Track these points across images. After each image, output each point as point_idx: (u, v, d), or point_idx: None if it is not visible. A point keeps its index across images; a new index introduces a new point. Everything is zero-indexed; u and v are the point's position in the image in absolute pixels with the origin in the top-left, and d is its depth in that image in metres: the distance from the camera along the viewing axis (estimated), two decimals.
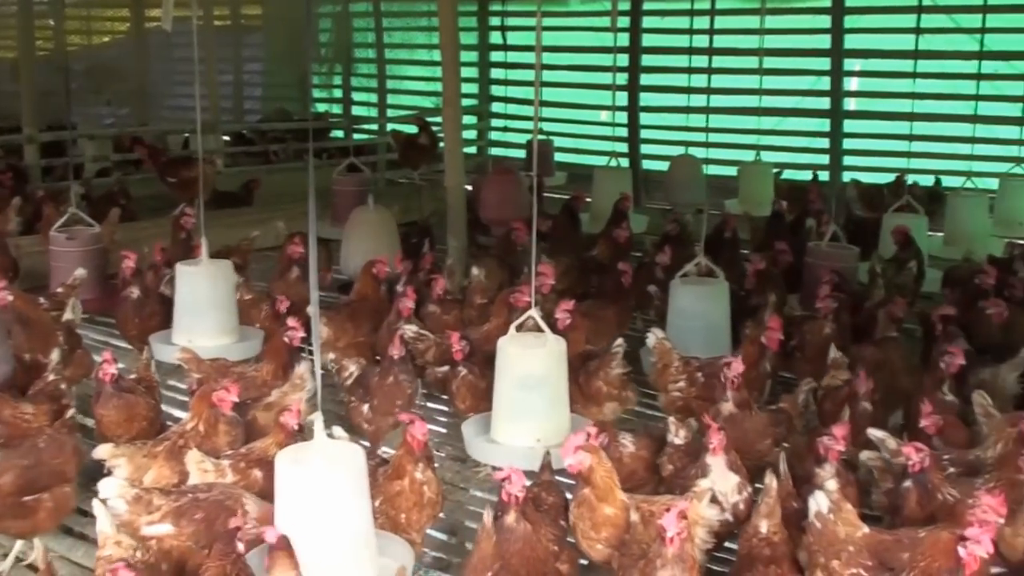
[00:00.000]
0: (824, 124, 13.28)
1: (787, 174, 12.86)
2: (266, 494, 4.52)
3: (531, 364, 5.82)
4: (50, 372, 5.61)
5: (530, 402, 5.78)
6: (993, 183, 11.72)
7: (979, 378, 5.91)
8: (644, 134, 14.70)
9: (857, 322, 7.11)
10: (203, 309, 7.29)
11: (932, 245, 10.10)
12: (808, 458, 4.71)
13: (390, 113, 15.90)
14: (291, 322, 6.18)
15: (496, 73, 16.89)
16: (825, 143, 13.27)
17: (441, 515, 4.97)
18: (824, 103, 13.19)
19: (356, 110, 18.07)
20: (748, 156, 13.26)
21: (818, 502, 4.02)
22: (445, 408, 6.71)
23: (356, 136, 16.21)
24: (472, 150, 16.18)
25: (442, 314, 7.37)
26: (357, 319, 7.22)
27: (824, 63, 13.04)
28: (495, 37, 16.71)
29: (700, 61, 14.14)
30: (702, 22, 13.98)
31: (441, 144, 10.64)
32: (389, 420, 5.77)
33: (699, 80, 14.09)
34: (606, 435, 4.88)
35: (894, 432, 5.15)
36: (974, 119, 12.25)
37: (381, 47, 16.62)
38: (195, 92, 8.48)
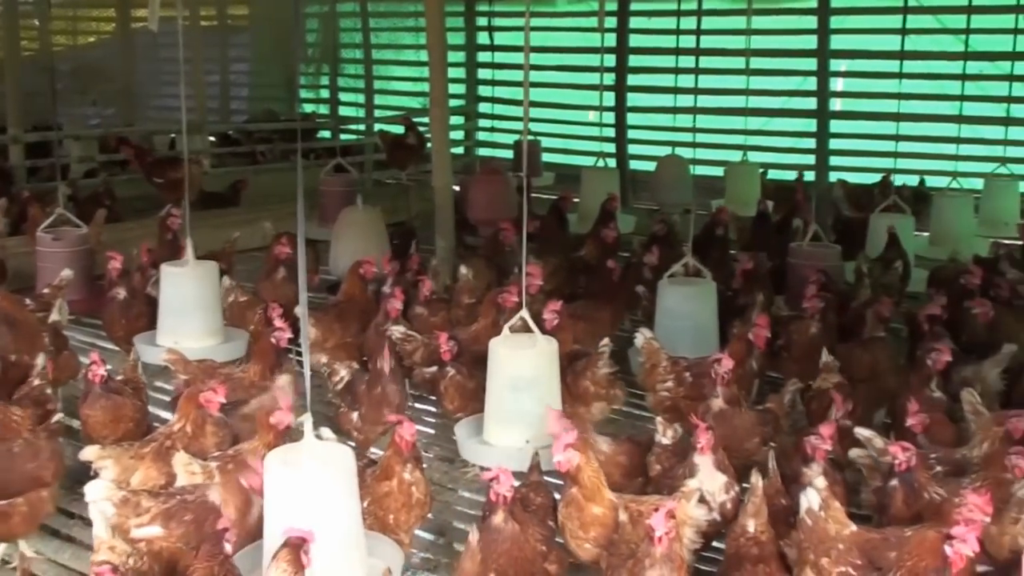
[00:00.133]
0: (810, 124, 13.33)
1: (774, 174, 12.90)
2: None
3: (521, 365, 5.82)
4: (35, 376, 5.59)
5: (520, 403, 5.78)
6: (978, 183, 11.78)
7: (962, 375, 5.95)
8: (631, 134, 14.72)
9: (843, 322, 7.14)
10: (188, 310, 7.26)
11: (918, 245, 10.15)
12: (795, 458, 4.72)
13: (377, 113, 15.88)
14: (278, 323, 6.17)
15: (483, 73, 16.90)
16: (811, 143, 13.32)
17: (429, 516, 4.97)
18: (810, 103, 13.24)
19: (343, 110, 18.05)
20: (735, 156, 13.30)
21: (809, 499, 4.03)
22: (433, 409, 6.71)
23: (343, 136, 16.19)
24: (460, 150, 16.18)
25: (429, 315, 7.36)
26: (345, 320, 7.21)
27: (810, 63, 13.09)
28: (482, 37, 16.72)
29: (687, 61, 14.19)
30: (689, 22, 14.04)
31: (428, 144, 10.63)
32: (378, 429, 5.76)
33: (686, 80, 14.12)
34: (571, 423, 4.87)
35: (879, 430, 5.17)
36: (959, 119, 12.31)
37: (368, 47, 16.60)
38: (182, 92, 8.45)
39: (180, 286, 7.30)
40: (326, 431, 4.73)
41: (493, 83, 16.83)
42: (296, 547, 3.74)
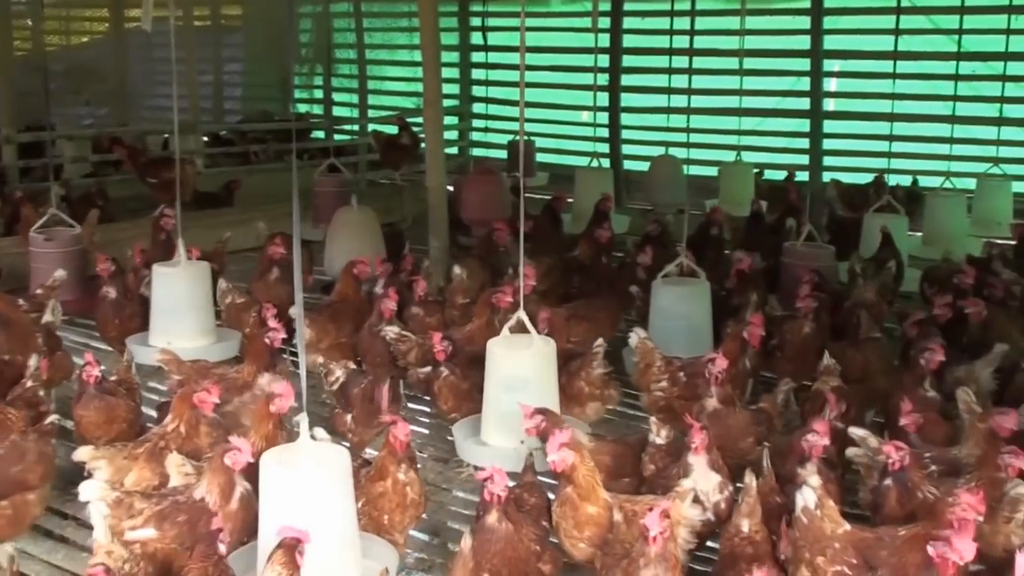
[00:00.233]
0: (804, 124, 13.37)
1: (770, 174, 12.91)
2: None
3: (517, 366, 5.80)
4: (28, 377, 5.58)
5: (516, 403, 5.77)
6: (971, 183, 11.81)
7: (955, 375, 5.96)
8: (625, 134, 14.75)
9: (836, 322, 7.15)
10: (180, 311, 7.24)
11: (911, 245, 10.17)
12: (790, 458, 4.73)
13: (371, 114, 15.91)
14: (272, 323, 6.16)
15: (477, 74, 16.89)
16: (805, 143, 13.35)
17: (424, 516, 4.97)
18: (804, 104, 13.28)
19: (337, 111, 18.05)
20: (729, 156, 13.30)
21: (805, 497, 4.04)
22: (427, 409, 6.71)
23: (337, 137, 16.18)
24: (453, 150, 16.18)
25: (425, 316, 7.36)
26: (339, 320, 7.21)
27: (804, 64, 13.13)
28: (476, 37, 16.71)
29: (681, 62, 14.19)
30: (683, 23, 14.04)
31: (422, 144, 10.63)
32: (371, 432, 5.75)
33: (680, 81, 14.12)
34: (544, 420, 4.88)
35: (872, 429, 5.18)
36: (952, 120, 12.33)
37: (362, 47, 16.61)
38: (175, 92, 8.43)
39: (172, 286, 7.29)
40: (321, 431, 4.73)
41: (487, 83, 16.83)
42: (291, 548, 3.74)
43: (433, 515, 5.36)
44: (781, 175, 12.48)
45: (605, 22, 14.10)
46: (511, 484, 4.23)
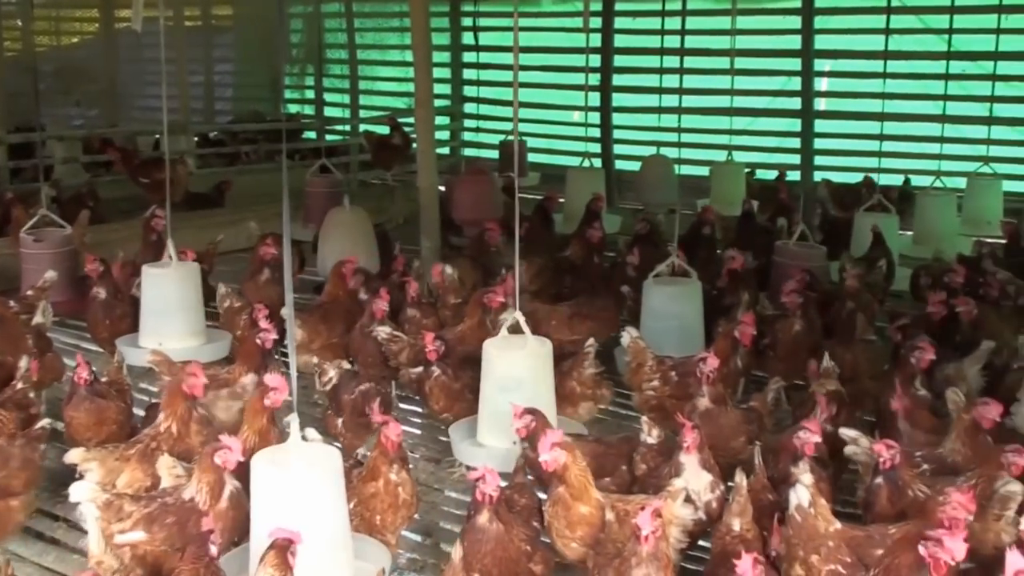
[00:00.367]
0: (795, 124, 13.37)
1: (761, 174, 12.93)
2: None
3: (510, 366, 5.80)
4: (18, 380, 5.56)
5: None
6: (961, 182, 11.84)
7: (944, 373, 5.99)
8: (616, 134, 14.75)
9: (827, 321, 7.16)
10: (171, 311, 7.22)
11: (902, 244, 10.19)
12: (781, 456, 4.73)
13: (362, 114, 15.86)
14: (264, 323, 6.15)
15: (468, 74, 16.88)
16: (796, 143, 13.36)
17: (416, 516, 4.97)
18: (795, 103, 13.29)
19: (328, 111, 18.01)
20: (720, 156, 13.32)
21: (799, 495, 4.05)
22: (419, 409, 6.70)
23: (328, 137, 16.15)
24: (445, 151, 16.16)
25: (422, 317, 7.33)
26: (330, 320, 7.20)
27: (795, 63, 13.14)
28: (467, 38, 16.70)
29: (672, 62, 14.21)
30: (674, 23, 14.06)
31: (414, 145, 10.62)
32: (362, 435, 5.74)
33: (671, 80, 14.14)
34: (533, 420, 4.88)
35: (864, 428, 5.20)
36: (942, 119, 12.37)
37: (353, 47, 16.58)
38: (164, 93, 8.41)
39: (162, 287, 7.27)
40: (312, 432, 4.73)
41: (478, 83, 16.82)
42: (283, 549, 3.74)
43: (425, 515, 5.35)
44: (772, 175, 12.51)
45: (596, 22, 14.12)
46: (503, 484, 4.23)
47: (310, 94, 18.81)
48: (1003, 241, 9.68)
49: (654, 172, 13.03)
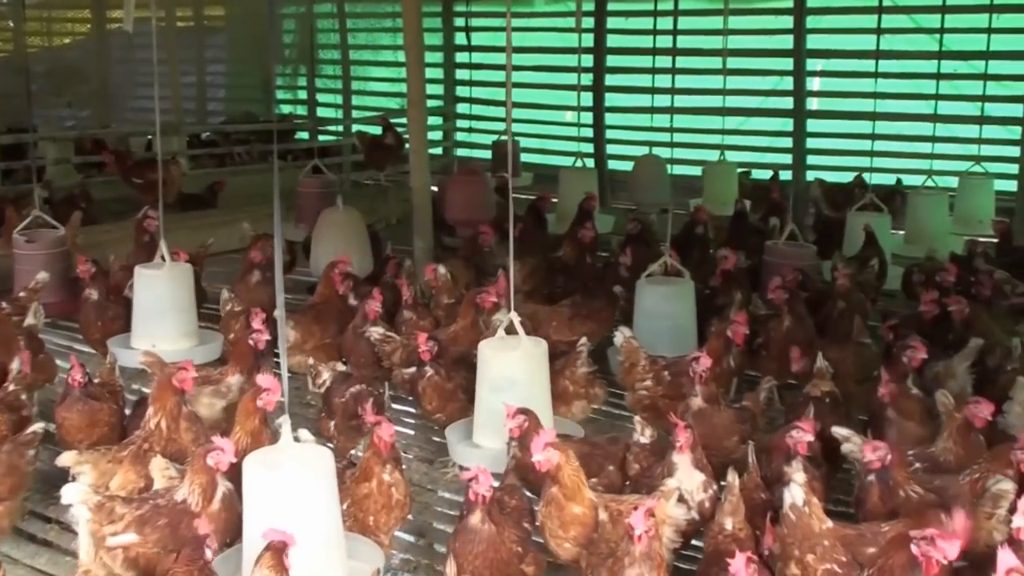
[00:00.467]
0: (787, 124, 13.39)
1: (757, 174, 12.94)
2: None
3: (504, 367, 5.79)
4: (10, 381, 5.54)
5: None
6: (953, 182, 11.87)
7: (934, 371, 6.01)
8: (609, 134, 14.76)
9: (819, 320, 7.18)
10: (163, 313, 7.21)
11: (894, 243, 10.21)
12: (774, 455, 4.74)
13: (355, 114, 15.85)
14: (256, 325, 6.14)
15: (461, 74, 16.88)
16: (788, 142, 13.38)
17: (409, 517, 4.97)
18: (787, 103, 13.30)
19: (321, 111, 17.98)
20: (713, 156, 13.33)
21: (793, 494, 4.06)
22: (412, 410, 6.70)
23: (321, 137, 16.13)
24: (438, 151, 16.16)
25: (418, 319, 7.31)
26: (323, 321, 7.20)
27: (787, 63, 13.15)
28: (460, 38, 16.70)
29: (664, 62, 14.23)
30: (666, 23, 14.10)
31: (406, 145, 10.61)
32: (354, 438, 5.72)
33: (663, 80, 14.14)
34: (526, 420, 4.88)
35: (857, 428, 5.21)
36: (934, 118, 12.40)
37: (345, 48, 16.54)
38: (156, 94, 8.39)
39: (155, 288, 7.25)
40: (305, 433, 4.73)
41: (471, 83, 16.82)
42: (278, 550, 3.73)
43: (418, 516, 5.36)
44: (765, 174, 12.52)
45: (589, 22, 14.11)
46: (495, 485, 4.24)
47: (302, 94, 18.77)
48: (995, 240, 9.71)
49: (647, 172, 13.05)
